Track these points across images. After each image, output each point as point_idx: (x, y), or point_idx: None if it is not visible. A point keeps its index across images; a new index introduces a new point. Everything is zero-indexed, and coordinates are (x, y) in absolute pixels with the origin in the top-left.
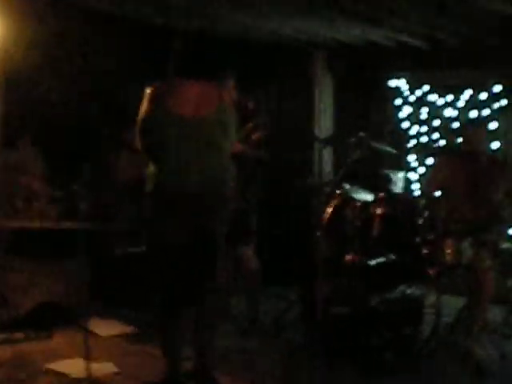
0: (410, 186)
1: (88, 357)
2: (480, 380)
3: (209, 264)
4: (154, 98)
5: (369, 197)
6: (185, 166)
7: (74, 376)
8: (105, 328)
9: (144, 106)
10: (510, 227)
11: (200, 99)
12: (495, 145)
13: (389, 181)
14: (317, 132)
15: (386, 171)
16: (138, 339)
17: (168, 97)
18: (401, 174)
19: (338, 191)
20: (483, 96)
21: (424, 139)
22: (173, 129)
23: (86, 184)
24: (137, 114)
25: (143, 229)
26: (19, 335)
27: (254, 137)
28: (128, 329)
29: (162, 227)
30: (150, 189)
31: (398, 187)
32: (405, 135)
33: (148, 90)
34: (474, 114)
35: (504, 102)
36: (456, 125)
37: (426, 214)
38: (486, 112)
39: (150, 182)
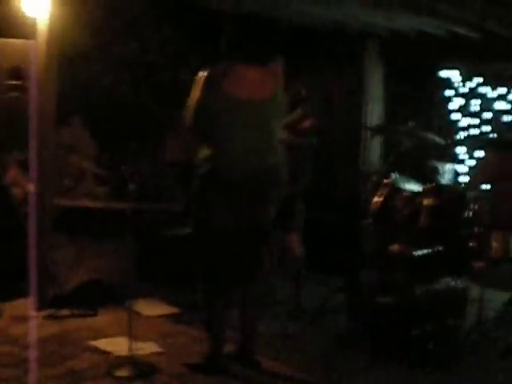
0: (458, 178)
1: (132, 336)
2: None
3: (257, 249)
4: (210, 82)
5: (417, 187)
6: (242, 151)
7: (117, 354)
8: (149, 308)
9: (198, 90)
10: None
11: (256, 83)
12: None
13: (437, 172)
14: (367, 120)
15: (435, 162)
16: (181, 320)
17: (224, 80)
18: (449, 166)
19: (386, 180)
20: None
21: (474, 132)
22: (230, 113)
23: (135, 165)
24: (188, 96)
25: (192, 211)
26: (65, 312)
27: (304, 124)
28: (172, 310)
29: (213, 210)
30: (203, 172)
31: (446, 179)
32: (454, 127)
33: (202, 74)
34: None
35: None
36: (507, 118)
37: (474, 206)
38: None
39: (204, 165)
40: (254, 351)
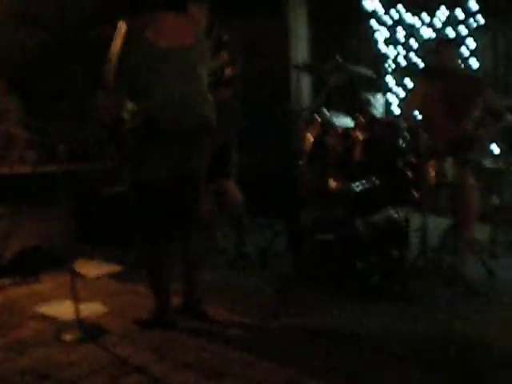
0: (389, 109)
1: (76, 298)
2: (468, 300)
3: (192, 199)
4: (131, 33)
5: (349, 122)
6: (170, 101)
7: (63, 318)
8: (92, 269)
9: (119, 42)
10: (491, 144)
11: (178, 31)
12: (474, 63)
13: (368, 104)
14: (294, 59)
15: (365, 94)
16: (126, 278)
17: (146, 30)
18: (380, 96)
19: (317, 117)
20: (460, 15)
21: (402, 61)
22: (154, 62)
23: (63, 125)
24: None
25: (125, 167)
26: (6, 281)
27: (227, 72)
28: (116, 268)
29: (146, 164)
30: (132, 126)
31: (377, 110)
32: (382, 57)
33: (122, 25)
34: (450, 33)
35: (480, 19)
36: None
37: (408, 135)
38: (463, 31)
39: (133, 119)
40: (201, 301)
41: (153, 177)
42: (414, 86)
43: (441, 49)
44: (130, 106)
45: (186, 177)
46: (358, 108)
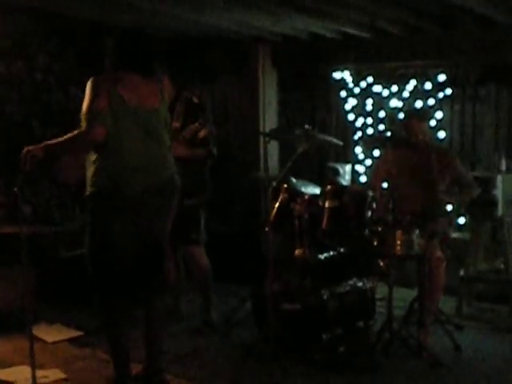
0: (357, 178)
1: (34, 364)
2: (434, 372)
3: (155, 264)
4: (103, 88)
5: (316, 190)
6: (136, 162)
7: None
8: (52, 333)
9: (91, 97)
10: (458, 217)
11: (145, 91)
12: (441, 134)
13: (336, 173)
14: (262, 127)
15: (333, 164)
16: (86, 344)
17: (119, 86)
18: (348, 167)
19: (284, 185)
20: (428, 86)
21: (370, 131)
22: (125, 120)
23: (28, 187)
24: (76, 112)
25: (87, 230)
26: None
27: (201, 134)
28: (76, 333)
29: (108, 228)
30: (93, 190)
31: (345, 180)
32: (351, 127)
33: (92, 82)
34: (418, 104)
35: (448, 91)
36: (401, 115)
37: (374, 205)
38: (431, 102)
39: (93, 183)
40: (162, 369)
41: (112, 242)
42: (381, 154)
43: (410, 121)
44: (91, 168)
45: (147, 242)
46: (326, 177)
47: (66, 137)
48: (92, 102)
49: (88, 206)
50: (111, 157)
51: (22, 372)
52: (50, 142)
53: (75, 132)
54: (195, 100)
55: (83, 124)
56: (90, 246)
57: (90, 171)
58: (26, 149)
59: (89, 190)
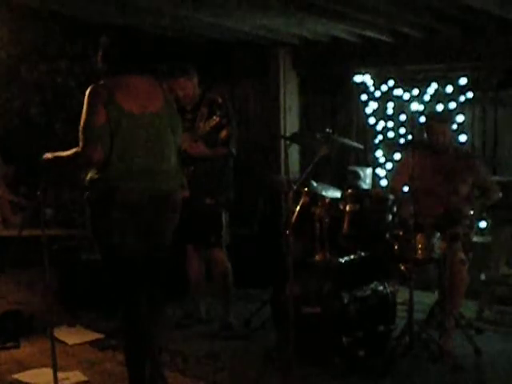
0: (378, 182)
1: (56, 366)
2: (454, 377)
3: (156, 269)
4: (101, 102)
5: (337, 194)
6: (138, 168)
7: None
8: (73, 336)
9: (88, 113)
10: (479, 220)
11: (145, 95)
12: (462, 137)
13: (357, 177)
14: (283, 130)
15: (354, 167)
16: (107, 346)
17: (117, 94)
18: (368, 170)
19: (305, 189)
20: (449, 89)
21: (391, 134)
22: (123, 128)
23: (52, 190)
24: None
25: (95, 238)
26: None
27: (222, 134)
28: (96, 336)
29: (114, 237)
30: (97, 196)
31: (366, 183)
32: (372, 131)
33: (89, 94)
34: (439, 107)
35: (469, 94)
36: (422, 119)
37: (395, 209)
38: (452, 105)
39: (96, 189)
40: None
41: (114, 247)
42: (402, 158)
43: (432, 123)
44: (92, 174)
45: (149, 246)
46: (347, 180)
47: (67, 153)
48: (88, 118)
49: (87, 210)
50: (108, 163)
51: (44, 374)
52: (59, 153)
53: (73, 150)
54: (219, 100)
55: (80, 143)
56: (101, 253)
57: (90, 174)
58: (44, 155)
59: (91, 196)
